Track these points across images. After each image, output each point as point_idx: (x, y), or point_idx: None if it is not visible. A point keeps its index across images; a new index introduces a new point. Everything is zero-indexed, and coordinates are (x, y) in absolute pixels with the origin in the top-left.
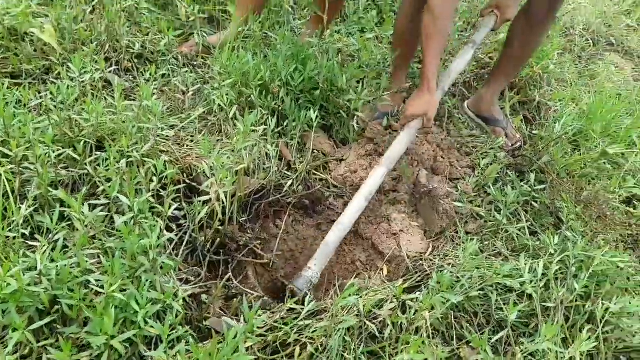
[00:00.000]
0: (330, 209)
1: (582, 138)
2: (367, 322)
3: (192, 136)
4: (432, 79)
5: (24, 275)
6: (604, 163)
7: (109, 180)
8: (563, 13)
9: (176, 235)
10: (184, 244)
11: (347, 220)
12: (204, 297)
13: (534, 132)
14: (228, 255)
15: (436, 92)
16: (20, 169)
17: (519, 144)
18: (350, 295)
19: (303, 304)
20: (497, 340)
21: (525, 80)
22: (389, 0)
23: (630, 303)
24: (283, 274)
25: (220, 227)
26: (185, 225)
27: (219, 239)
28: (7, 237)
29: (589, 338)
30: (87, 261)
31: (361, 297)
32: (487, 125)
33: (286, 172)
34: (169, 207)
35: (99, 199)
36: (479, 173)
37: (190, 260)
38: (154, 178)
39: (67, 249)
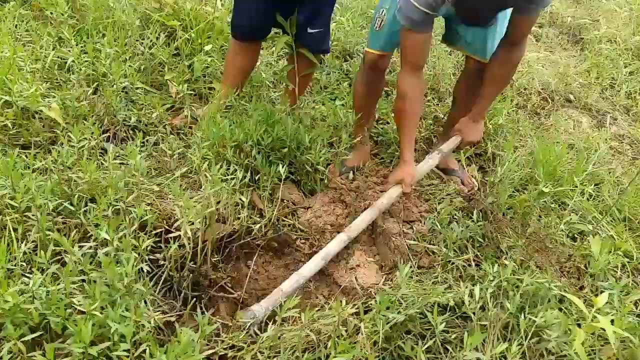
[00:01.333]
0: (297, 251)
1: (532, 182)
2: (308, 332)
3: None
4: (406, 152)
5: (19, 295)
6: (550, 203)
7: (97, 225)
8: (519, 76)
9: (155, 274)
10: (162, 281)
11: (306, 272)
12: (176, 324)
13: (486, 178)
14: (202, 291)
15: (412, 164)
16: (24, 217)
17: (474, 189)
18: (293, 307)
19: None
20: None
21: None
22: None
23: (555, 317)
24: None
25: (194, 266)
26: (164, 265)
27: (191, 277)
28: (9, 269)
29: (510, 344)
30: (72, 287)
31: (304, 311)
32: (445, 175)
33: (257, 219)
34: (146, 244)
35: (88, 242)
36: (433, 216)
37: (168, 296)
38: (135, 222)
39: (58, 279)
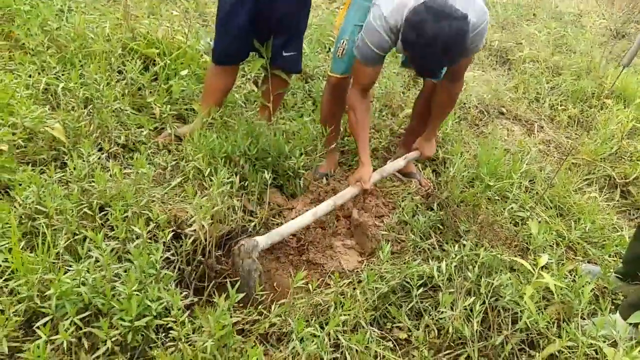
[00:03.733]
0: (286, 245)
1: (477, 179)
2: (316, 297)
3: (176, 197)
4: (363, 155)
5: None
6: (495, 195)
7: (112, 229)
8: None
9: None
10: (174, 274)
11: (296, 224)
12: (196, 306)
13: (439, 179)
14: (209, 282)
15: (368, 165)
16: (52, 222)
17: (429, 189)
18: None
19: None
20: (415, 315)
21: None
22: (320, 92)
23: (507, 279)
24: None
25: (202, 259)
26: (174, 260)
27: (201, 268)
28: (53, 262)
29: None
30: (112, 273)
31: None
32: (405, 178)
33: (250, 219)
34: (168, 237)
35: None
36: (399, 211)
37: (180, 287)
38: (151, 222)
39: (97, 269)
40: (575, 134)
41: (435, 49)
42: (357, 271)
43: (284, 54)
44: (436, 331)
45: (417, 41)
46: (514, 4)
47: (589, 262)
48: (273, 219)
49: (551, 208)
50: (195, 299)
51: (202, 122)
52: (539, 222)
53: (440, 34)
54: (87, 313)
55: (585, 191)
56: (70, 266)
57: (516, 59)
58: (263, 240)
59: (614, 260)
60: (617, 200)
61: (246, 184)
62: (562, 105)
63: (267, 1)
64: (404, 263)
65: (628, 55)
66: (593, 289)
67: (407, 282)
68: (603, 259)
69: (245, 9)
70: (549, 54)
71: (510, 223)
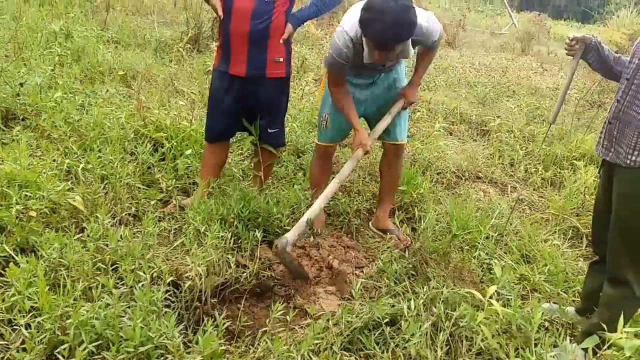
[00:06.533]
0: (275, 294)
1: (448, 233)
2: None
3: (177, 254)
4: (355, 124)
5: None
6: (465, 246)
7: (121, 279)
8: (435, 158)
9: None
10: (174, 315)
11: (313, 209)
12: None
13: (415, 234)
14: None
15: (363, 131)
16: (71, 273)
17: (407, 243)
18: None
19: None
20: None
21: (408, 204)
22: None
23: (464, 309)
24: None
25: (199, 304)
26: (174, 307)
27: (198, 312)
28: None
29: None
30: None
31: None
32: (384, 234)
33: (243, 271)
34: (169, 280)
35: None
36: (378, 263)
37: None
38: (154, 272)
39: (107, 306)
40: (547, 193)
41: (386, 19)
42: (334, 313)
43: (269, 131)
44: (402, 357)
45: (369, 17)
46: (495, 83)
47: (552, 302)
48: (264, 272)
49: (519, 256)
50: (192, 335)
51: (202, 193)
52: (503, 266)
53: (387, 8)
54: (99, 342)
55: (549, 240)
56: (86, 305)
57: (493, 129)
58: (291, 236)
59: (575, 300)
60: (585, 248)
61: (240, 242)
62: (535, 168)
63: (252, 91)
64: (375, 301)
65: (553, 113)
66: (554, 322)
67: (378, 318)
68: (564, 298)
69: (231, 95)
70: (523, 124)
71: (479, 268)
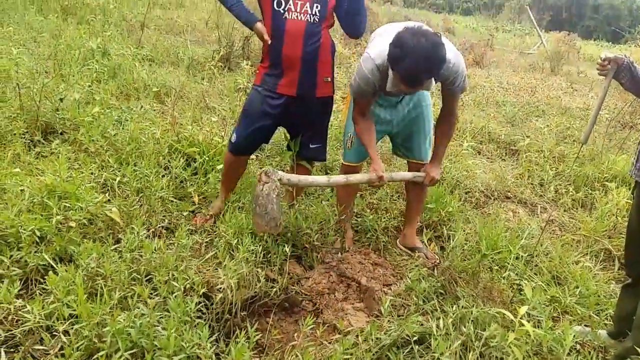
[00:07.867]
0: (303, 309)
1: (478, 252)
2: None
3: (209, 267)
4: (372, 154)
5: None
6: (494, 266)
7: (155, 289)
8: (464, 178)
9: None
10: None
11: (311, 179)
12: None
13: (444, 253)
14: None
15: (378, 161)
16: (108, 282)
17: (435, 262)
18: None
19: None
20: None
21: (436, 222)
22: None
23: (494, 329)
24: (274, 357)
25: (229, 317)
26: (206, 318)
27: (227, 325)
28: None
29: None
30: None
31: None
32: (412, 252)
33: (272, 285)
34: (201, 291)
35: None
36: (406, 280)
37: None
38: (187, 283)
39: (142, 315)
40: (578, 214)
41: (417, 57)
42: (363, 328)
43: (311, 146)
44: None
45: (400, 54)
46: (523, 102)
47: (584, 325)
48: (292, 287)
49: (549, 277)
50: (223, 346)
51: (222, 202)
52: (534, 287)
53: (418, 45)
54: (134, 350)
55: (580, 262)
56: (122, 314)
57: (523, 149)
58: (284, 174)
59: (607, 323)
60: (617, 271)
61: (269, 256)
62: (566, 189)
63: (299, 109)
64: (404, 319)
65: (585, 133)
66: (585, 345)
67: (407, 336)
68: (596, 321)
69: (271, 114)
70: (553, 144)
71: (509, 289)
